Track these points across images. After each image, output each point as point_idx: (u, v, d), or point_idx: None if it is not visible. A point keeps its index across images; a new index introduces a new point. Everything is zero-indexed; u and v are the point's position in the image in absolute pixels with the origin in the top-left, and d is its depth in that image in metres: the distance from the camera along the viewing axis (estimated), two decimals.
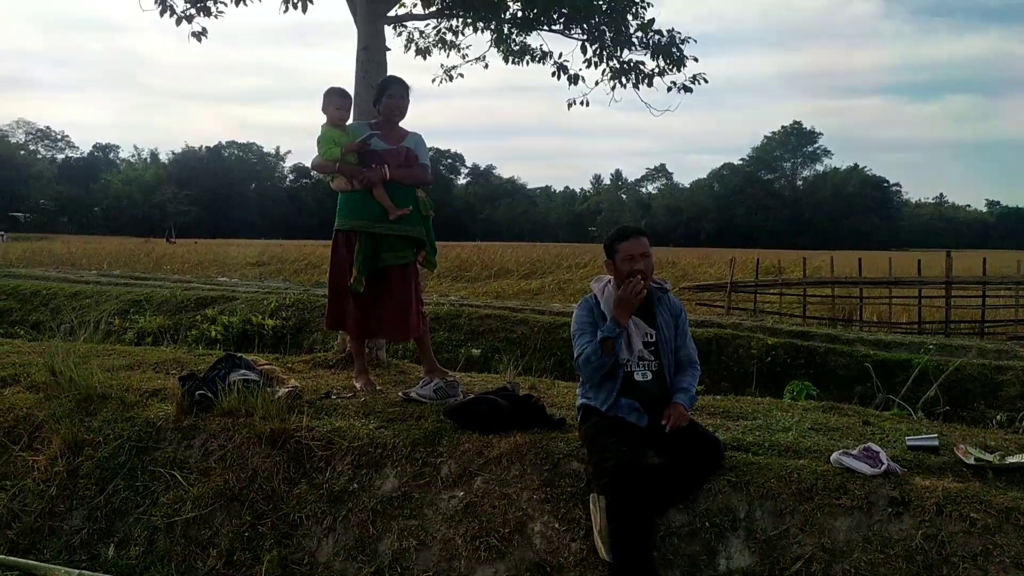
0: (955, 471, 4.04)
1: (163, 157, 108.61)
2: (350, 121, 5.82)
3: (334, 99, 5.63)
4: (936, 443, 4.29)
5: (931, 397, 9.22)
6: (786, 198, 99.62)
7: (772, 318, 14.10)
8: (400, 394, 5.35)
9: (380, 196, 5.49)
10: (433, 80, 9.69)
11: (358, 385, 5.68)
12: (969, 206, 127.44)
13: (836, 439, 4.54)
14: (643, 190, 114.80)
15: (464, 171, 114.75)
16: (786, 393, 7.87)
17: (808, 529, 3.75)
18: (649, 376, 4.30)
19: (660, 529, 3.93)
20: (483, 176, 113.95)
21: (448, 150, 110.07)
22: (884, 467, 3.89)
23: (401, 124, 5.74)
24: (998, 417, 8.77)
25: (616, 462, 3.88)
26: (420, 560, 4.09)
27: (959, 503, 3.67)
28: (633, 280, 4.15)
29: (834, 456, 4.03)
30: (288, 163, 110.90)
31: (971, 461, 4.07)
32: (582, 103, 9.10)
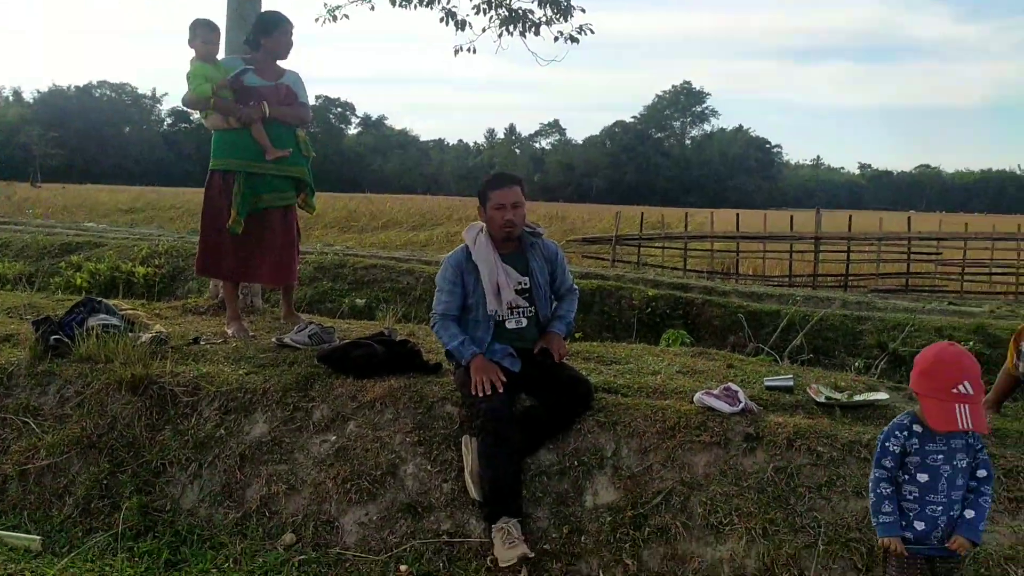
0: (806, 409, 4.27)
1: (27, 96, 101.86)
2: (221, 56, 5.57)
3: (200, 32, 5.37)
4: (791, 384, 4.51)
5: (797, 345, 9.71)
6: (675, 157, 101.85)
7: (654, 271, 14.47)
8: (273, 340, 5.24)
9: (258, 134, 5.31)
10: (316, 20, 9.38)
11: (230, 331, 5.53)
12: (843, 168, 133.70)
13: (701, 381, 4.70)
14: (537, 145, 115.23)
15: (355, 121, 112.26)
16: (662, 341, 8.12)
17: (670, 465, 3.90)
18: (524, 323, 4.33)
19: (530, 468, 4.01)
20: (375, 127, 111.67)
21: (338, 98, 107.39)
22: (742, 406, 4.07)
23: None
24: (856, 364, 9.31)
25: (488, 405, 3.92)
26: (289, 504, 4.05)
27: (808, 438, 3.88)
28: (485, 378, 4.00)
29: (697, 396, 4.18)
30: (165, 106, 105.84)
31: (821, 399, 4.30)
32: (469, 50, 9.02)
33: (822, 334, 10.41)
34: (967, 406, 2.56)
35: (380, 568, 3.72)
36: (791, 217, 15.20)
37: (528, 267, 4.35)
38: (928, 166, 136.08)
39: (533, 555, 3.63)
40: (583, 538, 3.76)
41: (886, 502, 2.73)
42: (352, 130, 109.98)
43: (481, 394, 3.97)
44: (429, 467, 4.06)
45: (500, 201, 4.23)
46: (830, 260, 14.70)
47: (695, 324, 10.80)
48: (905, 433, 2.73)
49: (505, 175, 4.42)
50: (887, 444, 2.75)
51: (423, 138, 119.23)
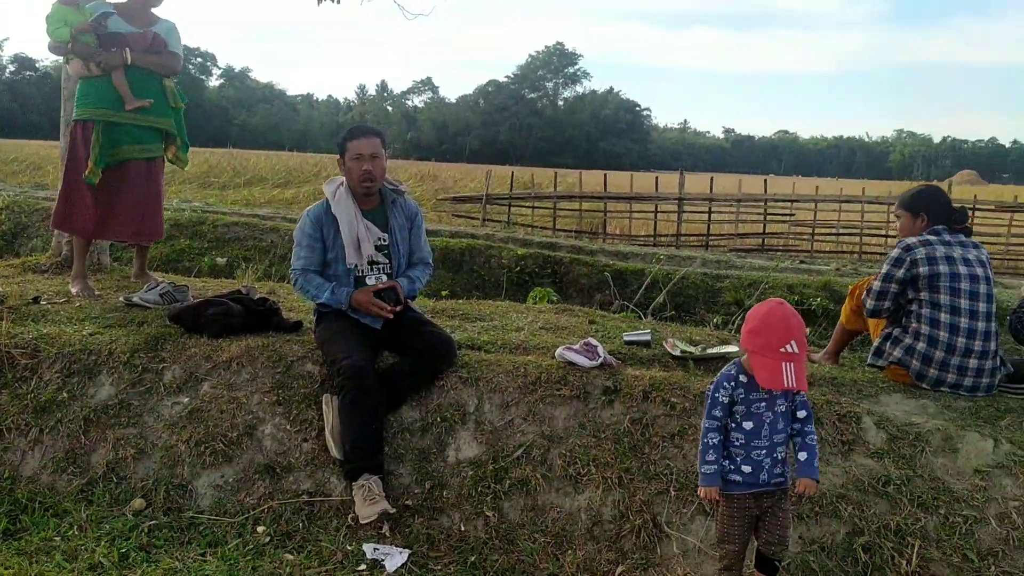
0: (662, 362, 4.42)
1: None
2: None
3: None
4: (649, 338, 4.65)
5: (660, 303, 10.04)
6: (548, 117, 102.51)
7: (524, 230, 14.61)
8: (121, 299, 4.98)
9: (118, 82, 5.02)
10: None
11: (74, 290, 5.23)
12: (709, 132, 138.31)
13: (564, 337, 4.79)
14: (409, 103, 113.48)
15: (216, 72, 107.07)
16: (529, 299, 8.21)
17: (531, 419, 3.96)
18: (383, 279, 4.27)
19: (393, 426, 3.99)
20: (238, 79, 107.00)
21: (197, 48, 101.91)
22: (601, 360, 4.17)
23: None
24: (715, 320, 9.71)
25: (349, 362, 3.86)
26: (139, 469, 3.89)
27: (663, 390, 4.02)
28: (377, 310, 4.07)
29: (558, 351, 4.25)
30: (7, 52, 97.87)
31: (677, 353, 4.46)
32: (334, 0, 8.75)
33: (684, 292, 10.79)
34: (792, 364, 2.65)
35: (236, 530, 3.63)
36: (656, 179, 15.63)
37: (388, 224, 4.28)
38: (786, 131, 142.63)
39: (394, 511, 3.63)
40: (445, 493, 3.79)
41: (711, 451, 2.84)
42: (214, 82, 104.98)
43: (387, 314, 4.04)
44: (288, 427, 3.98)
45: (358, 152, 4.13)
46: (693, 220, 15.23)
47: (563, 283, 10.99)
48: (732, 383, 2.82)
49: (364, 126, 4.32)
50: (716, 395, 2.85)
51: (290, 92, 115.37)
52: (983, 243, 13.16)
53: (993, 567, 3.42)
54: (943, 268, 4.11)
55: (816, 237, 14.94)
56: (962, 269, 4.13)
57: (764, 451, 2.85)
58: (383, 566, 3.41)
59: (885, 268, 4.25)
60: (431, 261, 4.54)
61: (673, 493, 3.66)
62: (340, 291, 4.12)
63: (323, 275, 4.20)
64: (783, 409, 2.88)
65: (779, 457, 2.90)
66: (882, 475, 3.71)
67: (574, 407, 4.00)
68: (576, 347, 4.26)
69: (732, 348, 4.57)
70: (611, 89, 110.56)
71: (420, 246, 4.46)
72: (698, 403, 3.95)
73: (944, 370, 4.15)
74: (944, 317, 4.11)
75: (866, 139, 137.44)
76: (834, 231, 15.09)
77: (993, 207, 15.12)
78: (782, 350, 2.66)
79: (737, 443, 2.85)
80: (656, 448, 3.83)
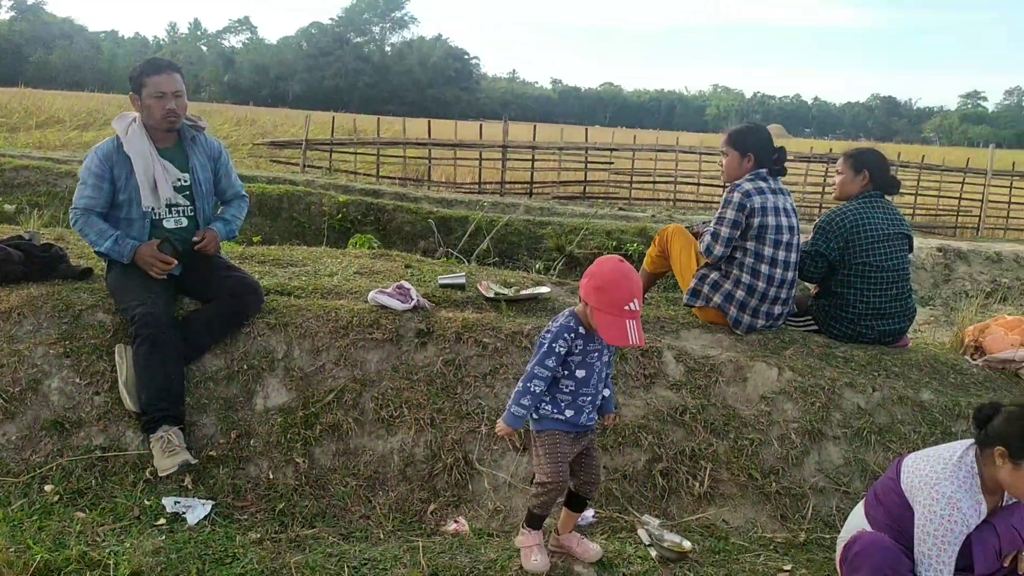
0: (476, 304, 4.45)
1: None
2: None
3: None
4: (463, 281, 4.66)
5: (484, 249, 10.13)
6: (375, 63, 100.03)
7: (347, 177, 14.27)
8: None
9: None
10: None
11: None
12: (537, 83, 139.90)
13: (378, 281, 4.72)
14: (226, 43, 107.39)
15: (6, 5, 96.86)
16: (349, 246, 8.04)
17: (342, 363, 3.90)
18: (184, 223, 4.03)
19: (195, 375, 3.81)
20: (31, 12, 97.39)
21: None
22: (414, 302, 4.15)
23: None
24: (537, 266, 9.92)
25: (143, 310, 3.65)
26: None
27: (475, 331, 4.05)
28: (157, 271, 3.84)
29: (370, 295, 4.19)
30: None
31: (491, 295, 4.50)
32: None
33: (507, 238, 10.92)
34: (634, 322, 2.70)
35: (21, 490, 3.37)
36: (480, 126, 15.64)
37: (188, 163, 4.03)
38: (611, 84, 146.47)
39: (196, 462, 3.49)
40: (252, 441, 3.67)
41: (528, 397, 2.80)
42: (2, 15, 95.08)
43: (160, 275, 3.82)
44: (78, 380, 3.72)
45: (160, 89, 3.85)
46: (517, 168, 15.38)
47: (387, 230, 10.84)
48: (572, 335, 2.81)
49: (162, 60, 4.02)
50: (555, 345, 2.80)
51: (92, 28, 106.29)
52: None
53: (775, 484, 3.72)
54: (771, 220, 4.31)
55: (634, 185, 15.47)
56: (783, 220, 4.36)
57: (589, 397, 2.89)
58: (185, 519, 3.27)
59: (730, 214, 4.28)
60: (245, 193, 4.35)
61: (485, 431, 3.72)
62: (124, 242, 3.83)
63: (115, 217, 3.90)
64: (607, 358, 2.94)
65: (598, 401, 2.96)
66: (680, 405, 3.93)
67: (387, 350, 3.97)
68: (389, 290, 4.21)
69: (544, 289, 4.66)
70: (439, 36, 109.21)
71: (232, 182, 4.25)
72: (510, 343, 4.02)
73: (756, 316, 4.42)
74: (765, 268, 4.33)
75: (685, 93, 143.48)
76: (651, 179, 15.69)
77: (792, 157, 16.17)
78: (626, 308, 2.70)
79: (567, 390, 2.85)
80: (468, 388, 3.87)
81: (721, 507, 3.62)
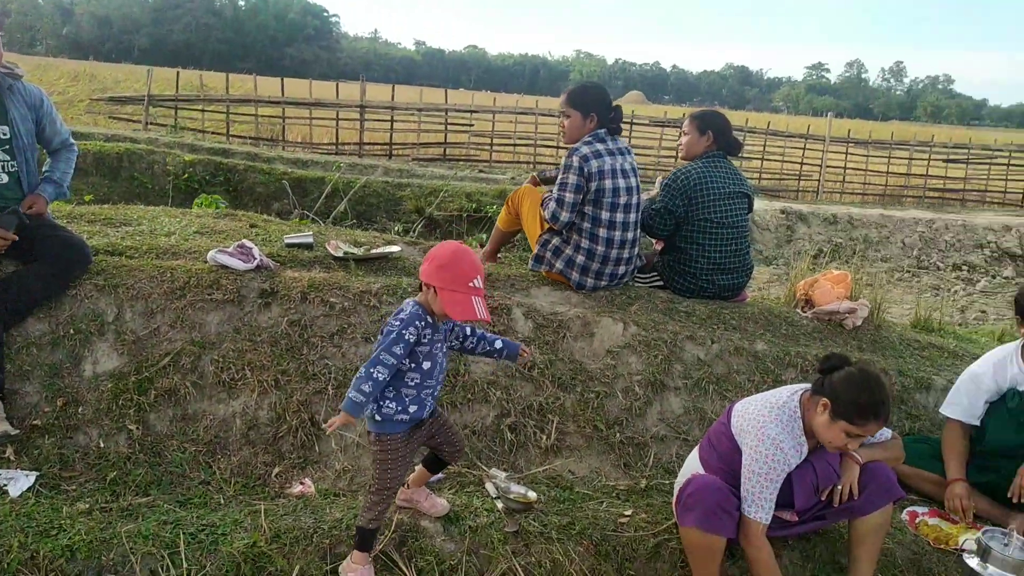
0: (324, 264, 4.34)
1: None
2: None
3: None
4: (311, 240, 4.54)
5: (341, 211, 9.92)
6: (228, 18, 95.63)
7: (193, 136, 13.62)
8: None
9: None
10: None
11: None
12: (400, 43, 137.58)
13: (220, 241, 4.53)
14: None
15: None
16: (194, 207, 7.68)
17: (179, 325, 3.73)
18: (5, 180, 3.74)
19: (16, 341, 3.56)
20: None
21: None
22: (257, 262, 4.01)
23: None
24: (396, 228, 9.81)
25: None
26: None
27: (322, 290, 3.96)
28: None
29: (210, 254, 4.02)
30: None
31: (340, 254, 4.40)
32: None
33: (365, 200, 10.76)
34: (479, 298, 2.69)
35: None
36: (337, 86, 15.21)
37: (7, 116, 3.72)
38: (476, 46, 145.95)
39: (18, 432, 3.27)
40: (81, 409, 3.47)
41: (370, 383, 2.60)
42: None
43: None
44: None
45: None
46: (376, 129, 15.10)
47: (238, 191, 10.46)
48: (422, 323, 2.70)
49: None
50: (404, 332, 2.65)
51: None
52: (638, 154, 14.27)
53: (618, 434, 3.84)
54: (608, 183, 4.35)
55: (495, 148, 15.52)
56: (621, 182, 4.42)
57: (432, 390, 2.81)
58: (6, 491, 3.06)
59: (572, 179, 4.29)
60: (73, 142, 4.07)
61: (331, 391, 3.66)
62: None
63: None
64: (445, 349, 2.87)
65: (438, 392, 2.89)
66: (528, 361, 3.97)
67: (228, 311, 3.82)
68: (230, 250, 4.05)
69: (395, 248, 4.60)
70: None
71: (57, 130, 3.97)
72: (358, 302, 3.96)
73: (599, 278, 4.50)
74: (603, 232, 4.39)
75: (549, 58, 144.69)
76: (511, 142, 15.77)
77: (647, 122, 16.67)
78: (471, 284, 2.67)
79: (412, 383, 2.74)
80: (315, 348, 3.78)
81: (567, 458, 3.70)
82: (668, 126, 16.54)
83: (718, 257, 4.67)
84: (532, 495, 3.23)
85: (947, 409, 3.81)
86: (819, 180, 16.76)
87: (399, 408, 2.73)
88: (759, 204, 13.07)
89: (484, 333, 3.00)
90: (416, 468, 3.06)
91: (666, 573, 3.11)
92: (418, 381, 2.75)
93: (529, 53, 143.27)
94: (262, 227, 5.01)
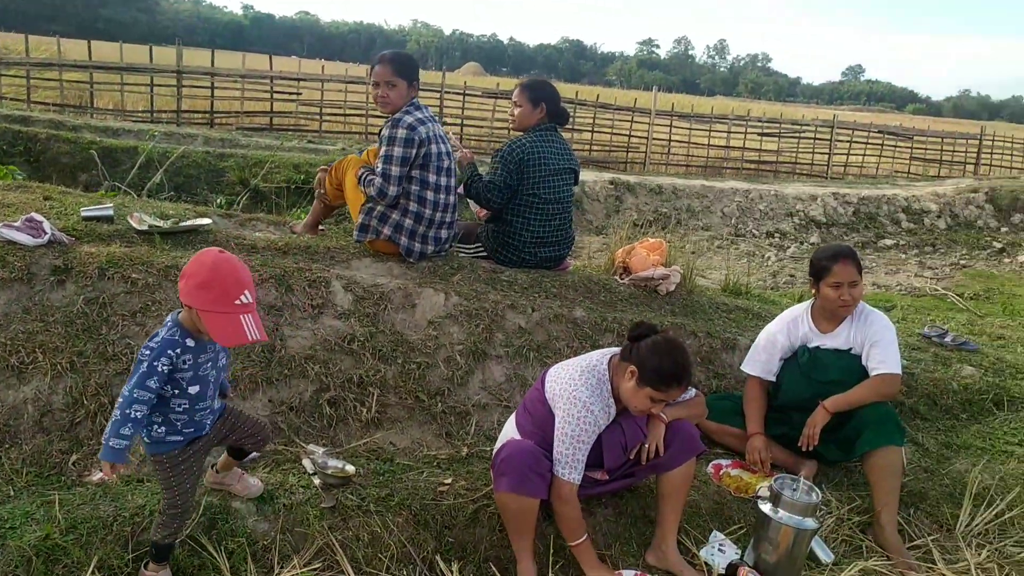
0: (126, 238, 4.09)
1: None
2: None
3: None
4: (111, 213, 4.26)
5: (157, 183, 9.36)
6: None
7: None
8: None
9: None
10: None
11: None
12: (227, 7, 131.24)
13: (9, 215, 4.17)
14: None
15: None
16: None
17: None
18: None
19: None
20: None
21: None
22: (48, 236, 3.72)
23: None
24: (219, 200, 9.38)
25: None
26: None
27: (122, 266, 3.73)
28: None
29: None
30: None
31: (144, 228, 4.15)
32: None
33: (184, 171, 10.20)
34: (250, 316, 2.39)
35: None
36: (150, 49, 14.28)
37: None
38: (307, 13, 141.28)
39: None
40: None
41: (129, 425, 2.35)
42: None
43: None
44: None
45: None
46: (196, 97, 14.34)
47: (39, 162, 9.68)
48: (178, 350, 2.41)
49: None
50: (156, 364, 2.37)
51: None
52: (474, 126, 14.37)
53: (440, 404, 3.85)
54: (434, 148, 4.33)
55: (325, 117, 15.10)
56: (442, 147, 4.40)
57: (207, 411, 2.57)
58: None
59: (398, 151, 4.21)
60: None
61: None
62: None
63: None
64: (223, 362, 2.62)
65: (216, 405, 2.65)
66: (348, 333, 3.91)
67: (16, 290, 3.54)
68: (17, 224, 3.74)
69: (206, 221, 4.39)
70: None
71: None
72: (163, 277, 3.76)
73: (426, 243, 4.46)
74: (430, 195, 4.36)
75: (386, 27, 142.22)
76: (341, 111, 15.39)
77: (480, 93, 16.69)
78: (238, 302, 2.36)
79: (180, 408, 2.48)
80: (115, 328, 3.56)
81: (388, 430, 3.67)
82: (501, 97, 16.64)
83: (542, 231, 4.75)
84: (350, 469, 3.19)
85: (747, 366, 4.06)
86: (646, 152, 17.40)
87: (169, 431, 2.50)
88: (589, 175, 13.43)
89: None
90: (223, 454, 2.94)
91: (485, 537, 3.16)
92: (187, 406, 2.49)
93: (364, 21, 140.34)
94: (58, 199, 4.64)
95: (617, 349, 3.13)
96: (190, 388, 2.47)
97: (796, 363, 3.95)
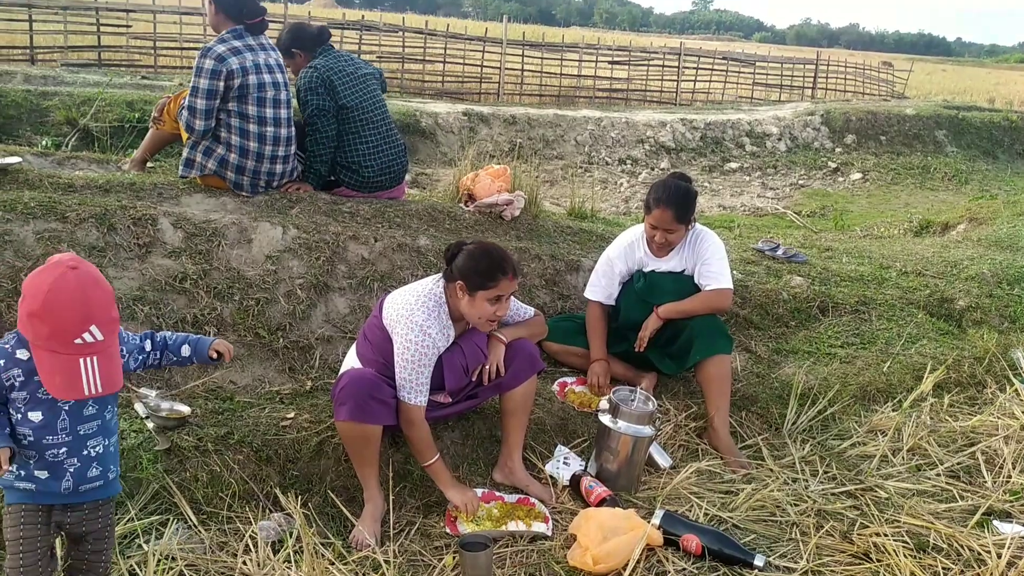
0: None
1: None
2: None
3: None
4: None
5: None
6: None
7: None
8: None
9: None
10: None
11: None
12: None
13: None
14: None
15: None
16: None
17: None
18: None
19: None
20: None
21: None
22: None
23: None
24: (45, 142, 8.72)
25: None
26: None
27: None
28: None
29: None
30: None
31: None
32: None
33: (3, 111, 9.44)
34: (95, 359, 1.88)
35: None
36: None
37: None
38: None
39: None
40: None
41: None
42: None
43: None
44: None
45: None
46: (13, 31, 13.18)
47: None
48: (6, 362, 1.96)
49: None
50: None
51: None
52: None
53: (282, 339, 3.78)
54: (253, 79, 4.15)
55: (159, 52, 14.20)
56: (266, 77, 4.22)
57: (64, 449, 2.01)
58: None
59: (204, 83, 4.09)
60: None
61: None
62: None
63: None
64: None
65: (99, 452, 2.08)
66: (179, 272, 3.75)
67: None
68: None
69: (14, 160, 4.09)
70: None
71: None
72: None
73: (256, 177, 4.31)
74: (253, 128, 4.21)
75: None
76: (177, 45, 14.51)
77: (326, 24, 16.05)
78: (79, 341, 1.86)
79: (25, 442, 1.99)
80: None
81: (228, 369, 3.56)
82: (348, 28, 16.08)
83: (376, 140, 4.67)
84: (185, 409, 3.10)
85: (588, 292, 4.15)
86: (499, 83, 17.31)
87: (20, 474, 2.02)
88: (443, 107, 13.26)
89: (167, 338, 2.32)
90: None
91: (331, 468, 3.16)
92: (32, 439, 1.99)
93: None
94: None
95: None
96: (30, 415, 1.98)
97: (632, 287, 4.05)
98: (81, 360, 1.87)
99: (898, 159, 14.59)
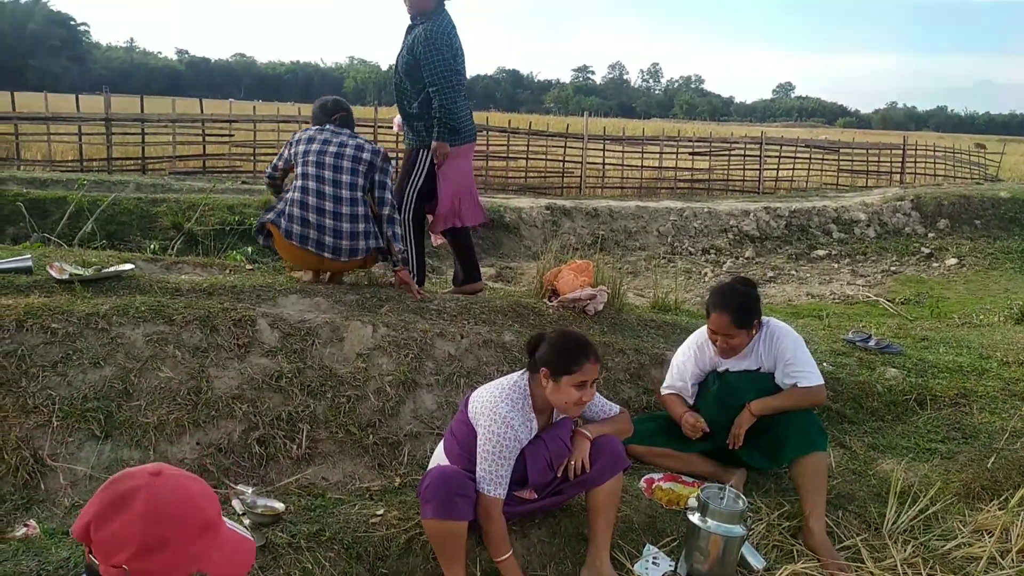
0: (46, 288, 4.05)
1: None
2: None
3: None
4: (29, 264, 4.21)
5: (88, 232, 9.23)
6: None
7: None
8: None
9: None
10: None
11: None
12: (160, 53, 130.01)
13: None
14: None
15: None
16: None
17: None
18: None
19: None
20: None
21: None
22: None
23: None
24: (153, 246, 9.26)
25: None
26: None
27: (41, 316, 3.69)
28: None
29: None
30: None
31: (65, 276, 4.12)
32: None
33: (116, 219, 10.07)
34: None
35: None
36: (76, 98, 14.13)
37: None
38: (243, 55, 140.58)
39: None
40: None
41: None
42: None
43: None
44: None
45: None
46: (127, 144, 14.19)
47: None
48: None
49: None
50: None
51: None
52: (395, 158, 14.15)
53: (372, 436, 3.86)
54: (304, 147, 4.67)
55: (257, 157, 15.03)
56: (326, 147, 4.66)
57: None
58: None
59: (285, 153, 4.89)
60: None
61: (56, 423, 3.41)
62: None
63: None
64: None
65: None
66: (275, 371, 3.91)
67: None
68: None
69: (127, 267, 4.37)
70: (38, 0, 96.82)
71: None
72: (84, 326, 3.73)
73: (307, 227, 4.61)
74: (301, 183, 4.62)
75: (322, 65, 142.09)
76: (275, 151, 15.33)
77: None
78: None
79: None
80: (35, 379, 3.51)
81: (320, 466, 3.67)
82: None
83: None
84: (280, 506, 3.18)
85: (665, 391, 4.12)
86: (581, 176, 17.64)
87: None
88: (526, 202, 13.56)
89: None
90: None
91: (419, 567, 3.17)
92: None
93: (301, 60, 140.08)
94: None
95: None
96: None
97: (707, 390, 4.00)
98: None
99: (995, 243, 14.15)
